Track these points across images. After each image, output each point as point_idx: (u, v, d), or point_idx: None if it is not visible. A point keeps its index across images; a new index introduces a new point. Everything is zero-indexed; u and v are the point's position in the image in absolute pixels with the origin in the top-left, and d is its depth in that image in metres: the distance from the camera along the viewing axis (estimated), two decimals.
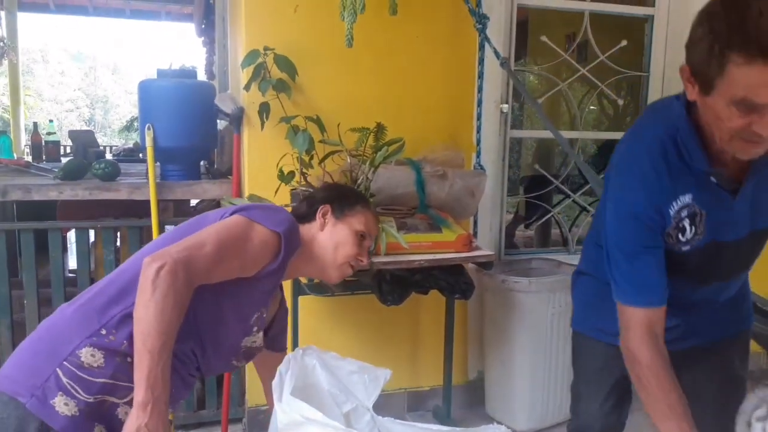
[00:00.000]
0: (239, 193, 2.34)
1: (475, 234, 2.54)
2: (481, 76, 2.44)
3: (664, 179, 1.15)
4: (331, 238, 1.36)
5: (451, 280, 2.21)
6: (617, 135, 3.13)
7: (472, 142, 2.53)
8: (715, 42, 0.96)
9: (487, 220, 2.63)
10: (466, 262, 2.22)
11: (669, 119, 1.17)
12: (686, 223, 1.17)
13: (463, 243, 2.19)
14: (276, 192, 2.15)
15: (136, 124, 6.69)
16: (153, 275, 1.04)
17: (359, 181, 1.96)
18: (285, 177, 2.08)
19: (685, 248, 1.20)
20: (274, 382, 1.11)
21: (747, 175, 1.16)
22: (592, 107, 3.20)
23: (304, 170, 2.10)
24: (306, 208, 1.41)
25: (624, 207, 1.19)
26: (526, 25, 3.98)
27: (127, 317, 1.10)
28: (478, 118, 2.49)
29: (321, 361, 1.21)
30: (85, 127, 20.58)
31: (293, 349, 2.34)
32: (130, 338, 1.08)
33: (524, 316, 2.42)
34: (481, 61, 2.41)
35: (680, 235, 1.18)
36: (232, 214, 1.23)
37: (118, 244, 2.46)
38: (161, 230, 2.27)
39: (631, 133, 1.25)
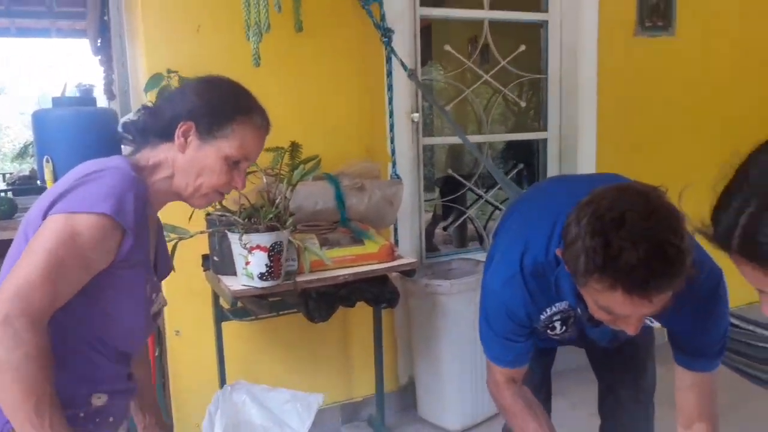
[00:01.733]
0: None
1: (396, 242, 2.58)
2: (390, 88, 2.48)
3: (536, 294, 1.23)
4: (193, 165, 1.10)
5: (376, 290, 2.24)
6: (522, 135, 3.28)
7: (387, 153, 2.57)
8: (591, 261, 0.98)
9: (407, 226, 2.68)
10: (390, 272, 2.26)
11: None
12: (557, 324, 1.29)
13: (386, 253, 2.23)
14: (190, 218, 2.09)
15: (30, 149, 6.27)
16: None
17: (277, 201, 1.94)
18: None
19: (555, 338, 1.34)
20: (204, 423, 1.09)
21: None
22: (498, 110, 3.34)
23: None
24: (163, 122, 1.11)
25: (501, 301, 1.28)
26: (429, 31, 4.08)
27: None
28: (391, 128, 2.54)
29: (251, 396, 1.20)
30: None
31: (221, 384, 2.29)
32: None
33: (448, 317, 2.48)
34: (389, 74, 2.46)
35: (549, 331, 1.31)
36: (49, 207, 0.99)
37: None
38: None
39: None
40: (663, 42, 3.03)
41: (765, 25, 3.25)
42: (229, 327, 2.23)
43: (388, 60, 2.42)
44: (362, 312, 2.43)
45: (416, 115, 2.67)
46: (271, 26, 1.96)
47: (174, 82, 2.10)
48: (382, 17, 2.35)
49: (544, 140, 3.07)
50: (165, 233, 1.52)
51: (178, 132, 1.09)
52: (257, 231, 1.87)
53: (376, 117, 2.53)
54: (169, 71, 2.10)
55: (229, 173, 1.13)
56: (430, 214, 5.01)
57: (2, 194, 2.35)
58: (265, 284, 1.92)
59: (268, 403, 1.24)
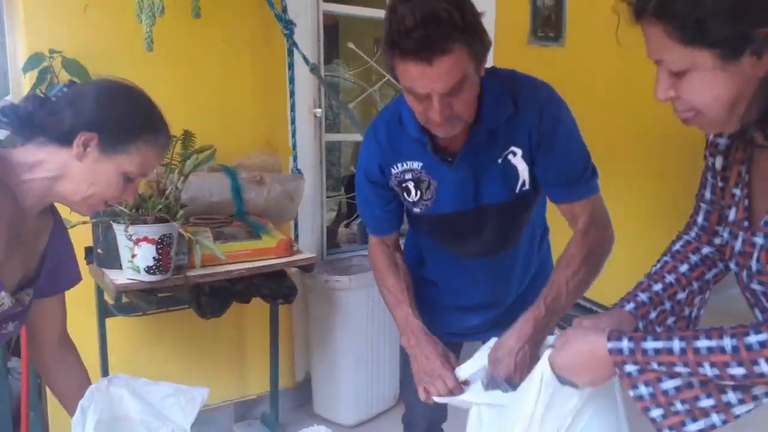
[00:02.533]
0: None
1: (296, 237, 2.56)
2: (292, 81, 2.46)
3: (384, 144, 1.35)
4: (88, 176, 1.06)
5: (273, 286, 2.21)
6: None
7: (288, 147, 2.54)
8: (386, 40, 1.11)
9: (308, 222, 2.67)
10: (288, 267, 2.23)
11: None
12: (410, 185, 1.36)
13: (284, 248, 2.20)
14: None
15: None
16: None
17: (168, 191, 1.87)
18: None
19: (416, 210, 1.38)
20: (75, 419, 1.02)
21: (461, 146, 1.28)
22: None
23: None
24: (61, 125, 1.04)
25: (360, 165, 1.43)
26: (336, 29, 4.09)
27: None
28: (293, 122, 2.51)
29: (130, 389, 1.14)
30: None
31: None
32: None
33: (346, 313, 2.50)
34: (291, 66, 2.43)
35: (406, 195, 1.37)
36: None
37: None
38: None
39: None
40: (553, 52, 3.21)
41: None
42: (114, 323, 2.12)
43: (290, 53, 2.40)
44: (259, 308, 2.39)
45: (319, 110, 2.66)
46: (165, 9, 1.88)
47: (57, 64, 1.97)
48: (284, 9, 2.32)
49: None
50: None
51: (79, 141, 1.04)
52: (145, 222, 1.79)
53: (277, 110, 2.50)
54: (51, 51, 1.96)
55: (123, 188, 1.10)
56: (334, 213, 5.02)
57: None
58: (152, 278, 1.84)
59: (148, 397, 1.18)
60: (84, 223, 1.82)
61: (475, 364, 1.23)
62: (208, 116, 2.34)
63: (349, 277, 2.50)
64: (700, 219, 1.10)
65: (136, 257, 1.81)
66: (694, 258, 1.09)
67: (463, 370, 1.24)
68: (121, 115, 1.08)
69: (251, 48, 2.42)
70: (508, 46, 3.05)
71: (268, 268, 2.15)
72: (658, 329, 1.06)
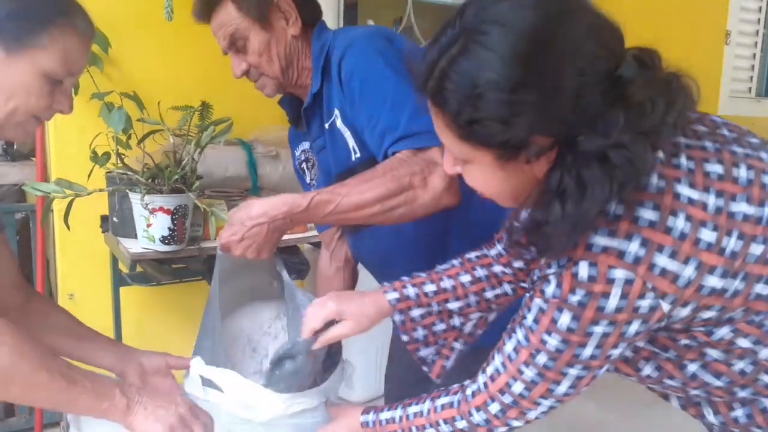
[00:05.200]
0: (45, 177, 2.11)
1: None
2: None
3: (292, 126, 1.42)
4: (1, 87, 0.85)
5: (285, 260, 2.21)
6: None
7: None
8: None
9: None
10: (301, 243, 2.23)
11: None
12: (305, 166, 1.38)
13: None
14: (89, 175, 1.97)
15: None
16: None
17: (184, 162, 1.87)
18: (99, 159, 1.90)
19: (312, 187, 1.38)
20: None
21: (308, 113, 1.24)
22: None
23: (121, 151, 1.95)
24: None
25: None
26: (356, 8, 4.05)
27: None
28: None
29: None
30: None
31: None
32: None
33: (357, 288, 2.49)
34: None
35: (304, 180, 1.40)
36: None
37: None
38: None
39: None
40: None
41: (672, 24, 3.46)
42: (128, 292, 2.14)
43: None
44: None
45: None
46: None
47: None
48: None
49: None
50: (60, 189, 1.39)
51: None
52: (161, 192, 1.80)
53: None
54: None
55: (50, 94, 0.89)
56: None
57: None
58: (167, 248, 1.84)
59: None
60: (100, 191, 1.83)
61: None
62: (226, 89, 2.32)
63: None
64: (500, 246, 1.03)
65: (152, 227, 1.81)
66: (480, 272, 1.03)
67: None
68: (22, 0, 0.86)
69: None
70: None
71: (282, 243, 2.14)
72: (421, 330, 1.04)
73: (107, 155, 1.93)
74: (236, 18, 1.20)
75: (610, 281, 0.70)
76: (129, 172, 1.82)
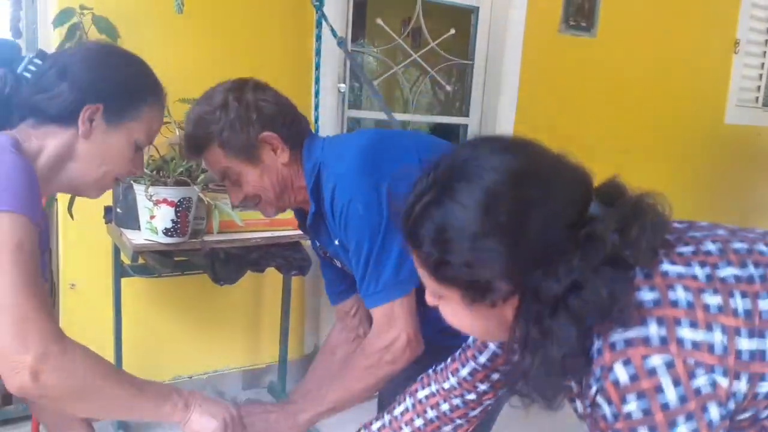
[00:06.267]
0: None
1: None
2: (318, 53, 2.44)
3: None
4: (98, 153, 0.96)
5: (288, 256, 2.22)
6: (447, 119, 3.33)
7: (310, 120, 2.53)
8: None
9: None
10: (303, 239, 2.24)
11: None
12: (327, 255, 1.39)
13: None
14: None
15: None
16: (31, 384, 0.75)
17: None
18: None
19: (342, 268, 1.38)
20: None
21: (313, 229, 1.30)
22: (424, 92, 3.38)
23: None
24: (59, 101, 0.93)
25: None
26: (364, 7, 4.04)
27: None
28: (316, 95, 2.50)
29: None
30: None
31: (116, 342, 2.17)
32: None
33: None
34: (318, 38, 2.42)
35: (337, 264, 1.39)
36: None
37: None
38: None
39: None
40: (585, 42, 3.16)
41: (682, 32, 3.46)
42: (130, 284, 2.14)
43: (318, 24, 2.38)
44: (272, 277, 2.40)
45: (342, 85, 2.65)
46: None
47: (87, 21, 1.97)
48: None
49: (465, 126, 3.13)
50: None
51: (84, 116, 0.93)
52: (165, 184, 1.80)
53: (302, 82, 2.49)
54: (82, 7, 1.96)
55: (132, 160, 1.01)
56: None
57: None
58: (170, 240, 1.85)
59: None
60: None
61: None
62: None
63: None
64: (464, 372, 1.02)
65: (155, 218, 1.82)
66: (431, 413, 1.06)
67: None
68: (124, 79, 0.99)
69: (281, 17, 2.40)
70: (540, 34, 3.01)
71: (284, 239, 2.16)
72: None
73: None
74: (225, 160, 1.21)
75: (652, 372, 0.68)
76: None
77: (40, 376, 0.75)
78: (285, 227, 2.14)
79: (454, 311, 0.80)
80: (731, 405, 0.71)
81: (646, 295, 0.72)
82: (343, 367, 1.25)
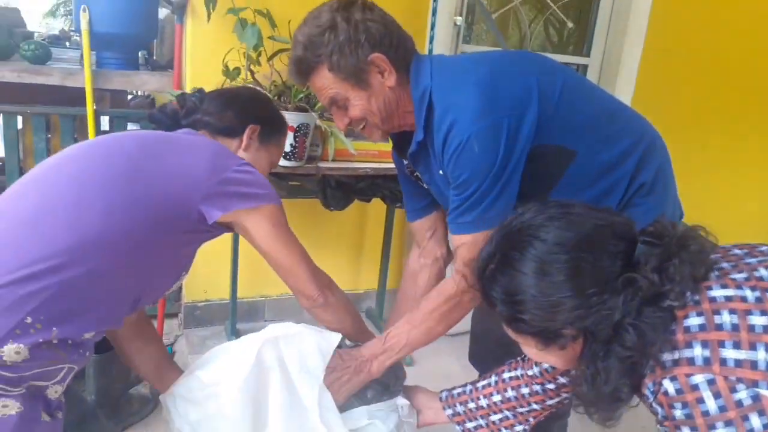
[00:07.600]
0: (180, 86, 2.25)
1: None
2: None
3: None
4: (249, 162, 1.19)
5: (393, 188, 2.26)
6: (563, 58, 3.17)
7: (425, 52, 2.50)
8: None
9: None
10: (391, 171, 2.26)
11: None
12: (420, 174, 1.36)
13: None
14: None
15: (62, 8, 6.14)
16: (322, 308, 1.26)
17: None
18: (230, 73, 2.01)
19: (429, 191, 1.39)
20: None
21: (415, 156, 1.28)
22: (541, 30, 3.22)
23: (251, 67, 2.03)
24: (229, 119, 1.24)
25: None
26: None
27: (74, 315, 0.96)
28: (432, 28, 2.46)
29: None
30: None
31: (233, 260, 2.31)
32: (63, 324, 0.95)
33: None
34: None
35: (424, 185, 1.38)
36: (238, 171, 1.11)
37: (49, 134, 2.34)
38: (96, 120, 2.17)
39: None
40: None
41: None
42: None
43: None
44: (377, 208, 2.47)
45: (459, 18, 2.58)
46: None
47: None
48: None
49: (585, 66, 2.97)
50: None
51: (249, 132, 1.25)
52: (286, 110, 1.87)
53: (419, 14, 2.45)
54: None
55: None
56: None
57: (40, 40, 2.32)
58: (287, 163, 1.94)
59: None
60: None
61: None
62: None
63: None
64: (546, 364, 1.13)
65: None
66: (510, 393, 1.20)
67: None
68: (274, 112, 1.35)
69: None
70: None
71: (392, 170, 2.19)
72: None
73: (238, 70, 2.02)
74: (333, 83, 1.17)
75: (695, 388, 0.79)
76: (258, 88, 1.90)
77: (328, 301, 1.27)
78: None
79: (531, 352, 0.95)
80: None
81: (694, 321, 0.82)
82: (426, 301, 1.25)
